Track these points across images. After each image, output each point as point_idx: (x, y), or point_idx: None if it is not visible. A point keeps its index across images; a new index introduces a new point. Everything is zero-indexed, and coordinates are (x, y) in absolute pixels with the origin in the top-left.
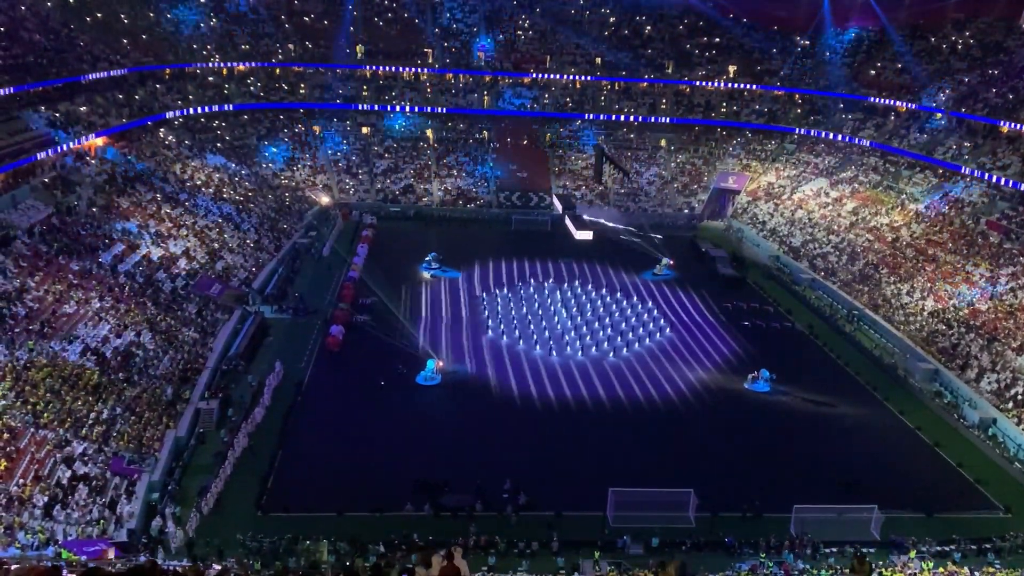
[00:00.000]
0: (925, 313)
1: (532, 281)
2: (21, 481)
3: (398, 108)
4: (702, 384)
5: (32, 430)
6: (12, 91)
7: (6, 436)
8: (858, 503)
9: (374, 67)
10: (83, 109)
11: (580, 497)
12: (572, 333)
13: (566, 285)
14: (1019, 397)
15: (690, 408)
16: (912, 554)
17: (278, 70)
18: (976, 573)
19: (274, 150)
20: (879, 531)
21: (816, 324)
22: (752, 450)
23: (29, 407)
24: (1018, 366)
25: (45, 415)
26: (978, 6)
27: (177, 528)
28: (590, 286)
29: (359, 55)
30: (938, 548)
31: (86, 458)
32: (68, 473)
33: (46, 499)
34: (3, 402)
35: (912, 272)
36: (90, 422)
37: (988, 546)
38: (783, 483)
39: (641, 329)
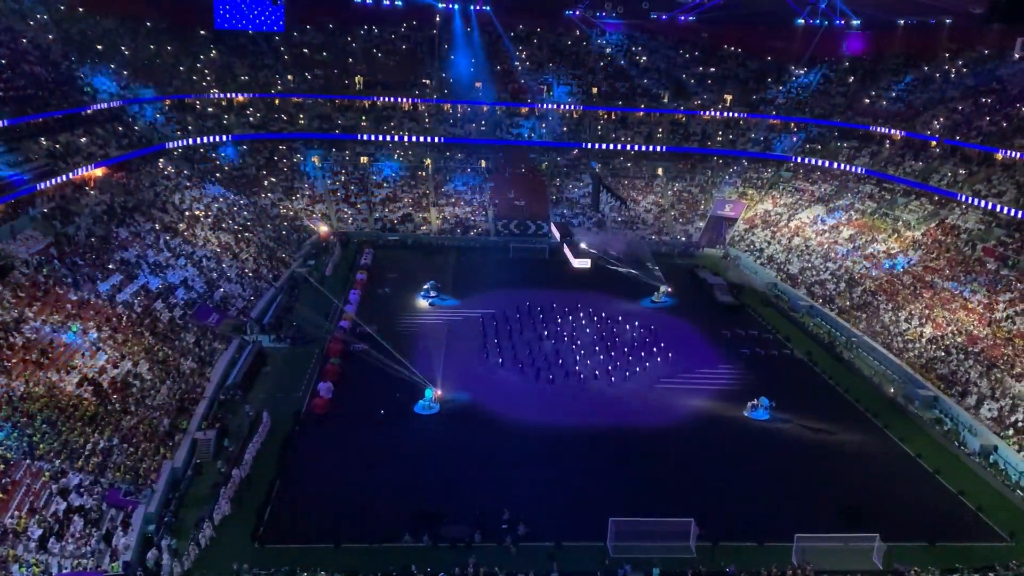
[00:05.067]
0: (923, 340)
1: (530, 309)
2: (16, 513)
3: (396, 138)
4: (702, 412)
5: (28, 461)
6: (13, 122)
7: (1, 467)
8: (860, 532)
9: (373, 98)
10: (83, 140)
11: (580, 527)
12: (570, 361)
13: (564, 312)
14: (1019, 424)
15: (690, 437)
16: None
17: (277, 101)
18: None
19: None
20: (881, 560)
21: (815, 351)
22: (753, 479)
23: (25, 438)
24: (1018, 393)
25: (41, 446)
26: (972, 37)
27: (173, 560)
28: (589, 313)
29: (358, 86)
30: None
31: (82, 490)
32: (63, 505)
33: (41, 531)
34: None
35: (909, 299)
36: (86, 453)
37: (992, 575)
38: (784, 512)
39: (640, 357)
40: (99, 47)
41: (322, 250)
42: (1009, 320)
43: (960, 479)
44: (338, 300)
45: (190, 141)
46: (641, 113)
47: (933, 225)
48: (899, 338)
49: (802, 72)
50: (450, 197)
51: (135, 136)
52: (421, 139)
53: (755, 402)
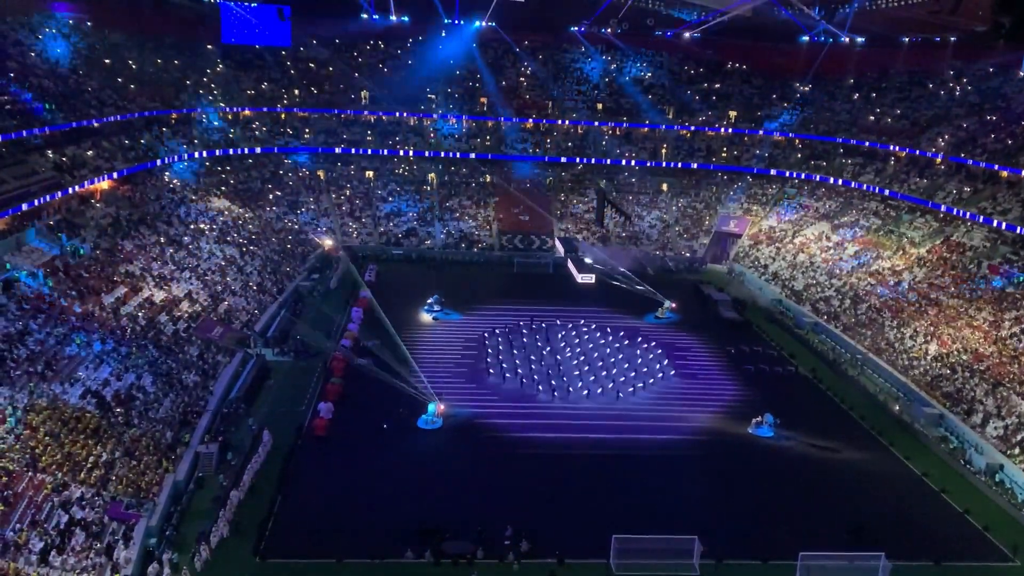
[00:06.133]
0: (929, 357)
1: (534, 324)
2: (17, 526)
3: (401, 152)
4: (706, 429)
5: (30, 474)
6: (20, 135)
7: (4, 480)
8: (865, 551)
9: (378, 112)
10: (89, 153)
11: (583, 544)
12: (574, 376)
13: (569, 328)
14: None
15: (694, 453)
16: None
17: (283, 115)
18: None
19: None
20: None
21: (820, 368)
22: (757, 496)
23: (28, 450)
24: None
25: (43, 458)
26: (977, 54)
27: (174, 575)
28: (593, 329)
29: (364, 101)
30: None
31: (84, 503)
32: (65, 518)
33: (42, 544)
34: (1, 445)
35: (915, 316)
36: (88, 466)
37: None
38: (789, 530)
39: (644, 373)
40: (107, 61)
41: (326, 263)
42: (1015, 338)
43: (966, 498)
44: (341, 314)
45: (196, 154)
46: (645, 129)
47: (938, 242)
48: (904, 355)
49: (807, 89)
50: (454, 212)
51: (141, 149)
52: (426, 154)
53: (759, 419)
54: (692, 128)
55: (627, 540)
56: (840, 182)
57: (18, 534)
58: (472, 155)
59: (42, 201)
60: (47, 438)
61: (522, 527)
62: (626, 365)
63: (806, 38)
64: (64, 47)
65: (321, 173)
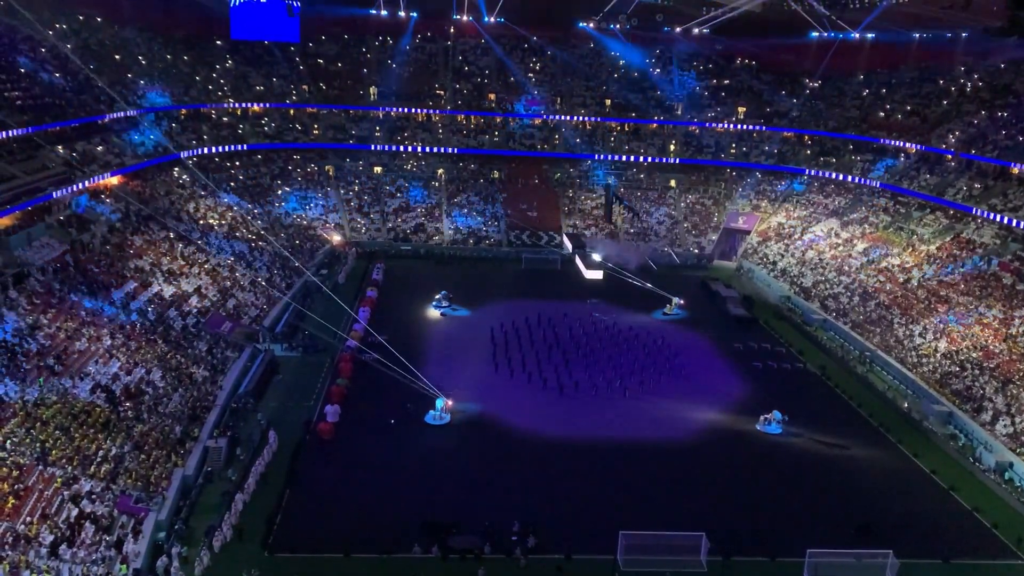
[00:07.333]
0: (938, 355)
1: (541, 320)
2: (28, 519)
3: (410, 148)
4: (713, 426)
5: (40, 467)
6: (31, 130)
7: (15, 473)
8: (873, 548)
9: (387, 108)
10: (99, 149)
11: (590, 539)
12: (582, 372)
13: (576, 324)
14: None
15: (702, 450)
16: None
17: (292, 111)
18: None
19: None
20: None
21: (828, 365)
22: (765, 493)
23: (38, 444)
24: None
25: (54, 452)
26: (988, 50)
27: (183, 568)
28: (600, 325)
29: (372, 97)
30: None
31: (93, 496)
32: (75, 511)
33: (53, 537)
34: (13, 439)
35: (924, 313)
36: (98, 460)
37: None
38: (796, 527)
39: (652, 369)
40: (117, 56)
41: (335, 259)
42: None
43: (975, 496)
44: (351, 309)
45: (205, 150)
46: (654, 125)
47: (948, 239)
48: (913, 352)
49: (816, 85)
50: (462, 208)
51: (151, 145)
52: (434, 149)
53: (768, 416)
54: (701, 124)
55: (634, 536)
56: (849, 178)
57: (28, 527)
58: (480, 151)
59: (52, 196)
60: (57, 432)
61: (529, 522)
62: (633, 361)
63: (816, 34)
64: (75, 42)
65: (330, 169)
